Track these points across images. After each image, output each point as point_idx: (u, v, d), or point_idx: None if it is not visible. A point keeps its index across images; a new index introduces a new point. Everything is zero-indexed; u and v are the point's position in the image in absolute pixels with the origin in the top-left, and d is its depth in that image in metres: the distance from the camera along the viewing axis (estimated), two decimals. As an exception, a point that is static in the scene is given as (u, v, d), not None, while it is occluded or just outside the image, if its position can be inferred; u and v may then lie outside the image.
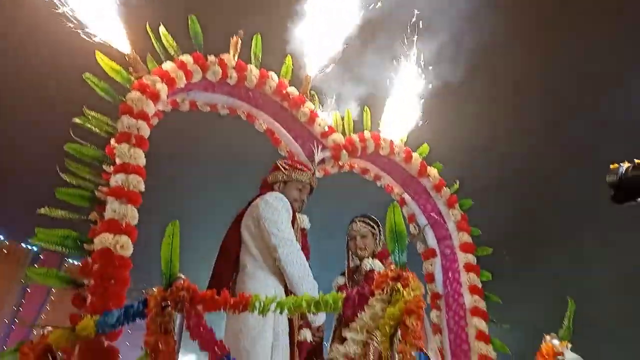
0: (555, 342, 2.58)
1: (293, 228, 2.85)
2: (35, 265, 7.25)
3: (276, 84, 3.57)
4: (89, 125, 2.89)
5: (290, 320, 2.71)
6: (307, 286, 2.65)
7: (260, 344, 2.54)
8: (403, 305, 1.95)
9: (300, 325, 2.79)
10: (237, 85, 3.49)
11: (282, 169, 3.06)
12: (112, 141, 2.87)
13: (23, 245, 7.42)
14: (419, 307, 1.96)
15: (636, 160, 1.37)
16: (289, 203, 2.87)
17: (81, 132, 2.90)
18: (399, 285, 2.00)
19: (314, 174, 3.18)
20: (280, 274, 2.72)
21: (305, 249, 3.00)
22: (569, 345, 2.57)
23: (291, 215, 2.85)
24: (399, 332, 1.95)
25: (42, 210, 2.59)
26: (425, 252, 4.13)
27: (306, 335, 2.82)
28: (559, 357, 2.54)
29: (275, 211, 2.76)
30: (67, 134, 2.84)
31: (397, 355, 1.91)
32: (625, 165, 1.36)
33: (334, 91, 3.92)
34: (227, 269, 2.81)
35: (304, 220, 3.09)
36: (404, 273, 2.03)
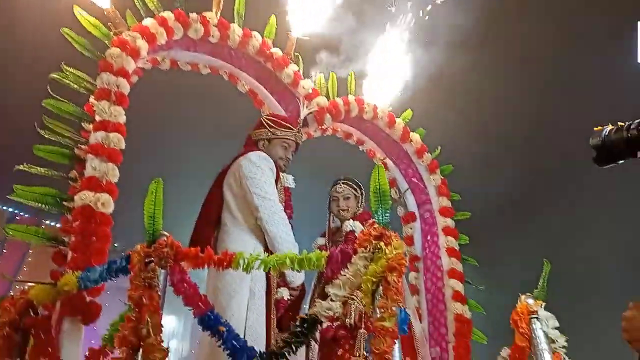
0: (530, 301, 2.68)
1: (277, 187, 2.83)
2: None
3: (259, 44, 3.51)
4: (67, 82, 2.82)
5: (267, 280, 2.72)
6: (288, 246, 2.64)
7: (236, 299, 2.54)
8: (385, 263, 1.99)
9: (277, 284, 2.81)
10: (219, 44, 3.42)
11: (267, 125, 2.96)
12: (92, 98, 2.81)
13: (1, 207, 7.29)
14: (401, 265, 2.00)
15: (619, 123, 1.39)
16: (273, 162, 2.83)
17: (60, 90, 2.84)
18: (381, 243, 2.04)
19: (299, 130, 3.10)
20: (260, 234, 2.70)
21: (288, 208, 2.99)
22: (543, 305, 2.67)
23: (275, 174, 2.81)
24: (381, 289, 1.99)
25: (21, 167, 2.54)
26: (405, 216, 4.20)
27: (283, 293, 2.85)
28: (533, 315, 2.64)
29: (259, 170, 2.71)
30: (45, 91, 2.78)
31: (378, 311, 1.96)
32: (609, 127, 1.38)
33: (319, 55, 3.88)
34: (209, 227, 2.78)
35: (289, 180, 3.07)
36: (387, 232, 2.07)
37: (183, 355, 9.03)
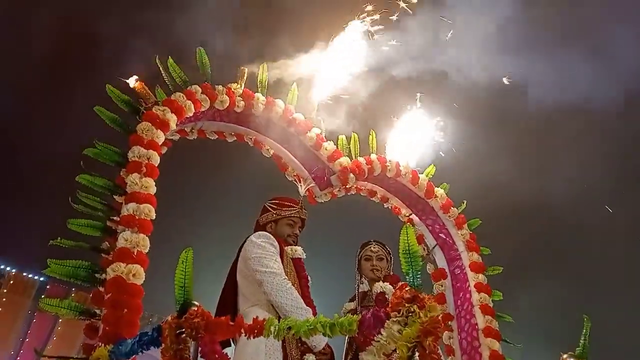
0: (572, 360, 2.55)
1: (283, 261, 2.94)
2: (42, 296, 7.24)
3: (282, 110, 3.63)
4: (100, 156, 2.92)
5: (284, 349, 2.73)
6: (298, 312, 2.72)
7: None
8: (420, 327, 1.94)
9: (302, 351, 2.80)
10: (244, 112, 3.55)
11: (270, 209, 3.19)
12: (123, 171, 2.90)
13: (30, 275, 7.40)
14: (436, 328, 1.95)
15: None
16: (273, 238, 2.98)
17: (90, 164, 2.94)
18: (415, 306, 2.00)
19: (301, 207, 3.26)
20: (275, 311, 2.76)
21: (303, 278, 3.05)
22: (586, 364, 2.53)
23: (278, 249, 2.95)
24: (417, 355, 1.93)
25: (55, 242, 2.60)
26: (435, 274, 4.11)
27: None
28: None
29: (260, 248, 2.88)
30: (77, 165, 2.88)
31: (415, 378, 1.90)
32: None
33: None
34: (227, 314, 2.85)
35: (297, 251, 3.14)
36: (420, 294, 2.03)
37: None
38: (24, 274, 7.46)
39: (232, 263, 3.06)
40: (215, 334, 2.06)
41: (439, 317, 1.97)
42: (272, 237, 3.00)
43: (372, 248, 3.46)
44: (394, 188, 4.17)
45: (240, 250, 3.05)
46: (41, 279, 7.46)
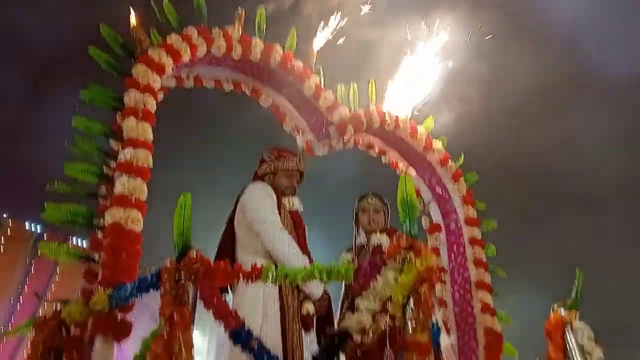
0: (564, 311, 2.61)
1: (280, 212, 2.95)
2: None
3: (281, 57, 3.53)
4: (95, 100, 2.86)
5: (280, 299, 2.77)
6: (294, 260, 2.74)
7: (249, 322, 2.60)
8: (416, 274, 1.97)
9: (300, 300, 2.85)
10: (241, 59, 3.45)
11: (268, 159, 3.17)
12: (119, 115, 2.84)
13: (27, 224, 7.41)
14: (432, 276, 1.98)
15: None
16: (270, 188, 2.99)
17: (87, 109, 2.88)
18: (411, 254, 2.02)
19: (300, 159, 3.24)
20: (271, 260, 2.78)
21: (300, 228, 3.07)
22: (578, 315, 2.60)
23: (275, 200, 2.96)
24: (412, 301, 1.97)
25: (52, 187, 2.58)
26: (430, 227, 4.14)
27: (309, 309, 2.86)
28: (567, 326, 2.57)
29: (255, 199, 2.90)
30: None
31: (409, 323, 1.93)
32: None
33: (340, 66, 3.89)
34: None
35: (294, 203, 3.15)
36: (417, 243, 2.05)
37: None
38: (21, 222, 7.46)
39: (230, 213, 3.07)
40: (214, 279, 2.08)
41: (435, 265, 1.99)
42: (270, 187, 3.01)
43: (369, 200, 3.47)
44: (392, 141, 4.14)
45: (237, 201, 3.05)
46: (38, 228, 7.47)
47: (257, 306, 2.68)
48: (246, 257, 2.82)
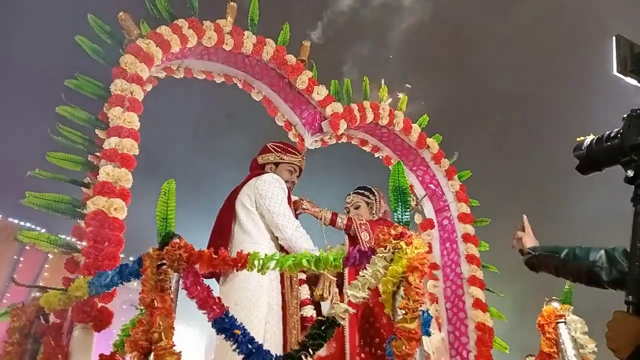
0: (557, 305, 2.55)
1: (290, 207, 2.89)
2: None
3: (273, 50, 3.49)
4: (81, 88, 2.81)
5: (282, 295, 2.71)
6: None
7: (256, 313, 2.54)
8: (406, 263, 1.91)
9: (302, 302, 2.79)
10: (233, 52, 3.41)
11: (274, 150, 3.08)
12: (105, 105, 2.79)
13: (13, 220, 7.29)
14: (422, 264, 1.92)
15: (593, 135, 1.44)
16: (284, 183, 2.90)
17: (73, 97, 2.83)
18: (401, 242, 1.96)
19: (303, 157, 3.18)
20: (270, 245, 2.73)
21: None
22: (571, 308, 2.54)
23: (287, 195, 2.89)
24: (402, 290, 1.91)
25: (33, 172, 2.52)
26: (422, 224, 4.10)
27: (309, 312, 2.80)
28: (560, 319, 2.51)
29: (274, 190, 2.79)
30: (59, 98, 2.77)
31: (399, 312, 1.87)
32: (590, 137, 1.44)
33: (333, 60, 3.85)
34: (222, 239, 2.80)
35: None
36: (407, 231, 1.99)
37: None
38: (6, 218, 7.34)
39: (229, 195, 2.94)
40: (199, 266, 2.01)
41: (425, 254, 1.94)
42: (283, 181, 2.92)
43: (347, 199, 3.38)
44: (385, 137, 4.10)
45: (242, 186, 2.92)
46: (21, 223, 7.34)
47: (263, 297, 2.58)
48: (250, 245, 2.71)
